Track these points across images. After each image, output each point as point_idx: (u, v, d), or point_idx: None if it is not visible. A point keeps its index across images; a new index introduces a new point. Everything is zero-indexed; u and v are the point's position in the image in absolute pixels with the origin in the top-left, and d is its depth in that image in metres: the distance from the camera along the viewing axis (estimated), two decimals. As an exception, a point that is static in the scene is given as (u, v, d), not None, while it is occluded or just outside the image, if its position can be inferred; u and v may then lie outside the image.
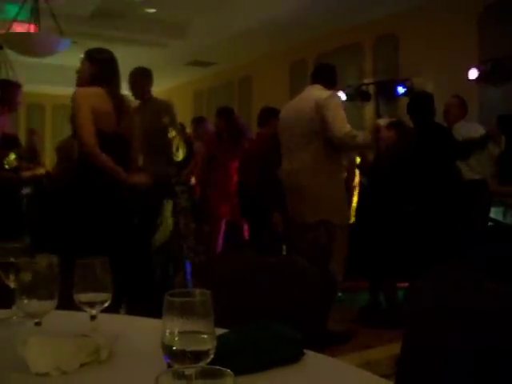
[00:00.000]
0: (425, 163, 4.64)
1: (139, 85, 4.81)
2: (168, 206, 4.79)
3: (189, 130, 6.80)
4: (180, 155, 4.90)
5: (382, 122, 5.09)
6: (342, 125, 3.99)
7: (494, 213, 5.27)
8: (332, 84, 4.36)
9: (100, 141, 3.38)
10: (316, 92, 4.22)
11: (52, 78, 9.80)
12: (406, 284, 4.90)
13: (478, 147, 5.02)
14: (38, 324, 1.30)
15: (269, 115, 5.52)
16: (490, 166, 5.28)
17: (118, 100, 3.51)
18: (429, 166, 4.62)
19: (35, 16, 6.68)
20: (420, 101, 5.08)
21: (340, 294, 5.16)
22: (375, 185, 4.97)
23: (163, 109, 4.80)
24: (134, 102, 3.96)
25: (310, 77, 4.46)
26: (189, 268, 5.26)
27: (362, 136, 4.10)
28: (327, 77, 4.38)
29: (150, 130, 4.40)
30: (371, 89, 8.00)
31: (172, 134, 4.73)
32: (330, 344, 3.78)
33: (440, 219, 4.53)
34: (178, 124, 4.95)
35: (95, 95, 3.46)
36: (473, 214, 4.87)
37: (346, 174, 5.02)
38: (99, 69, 3.52)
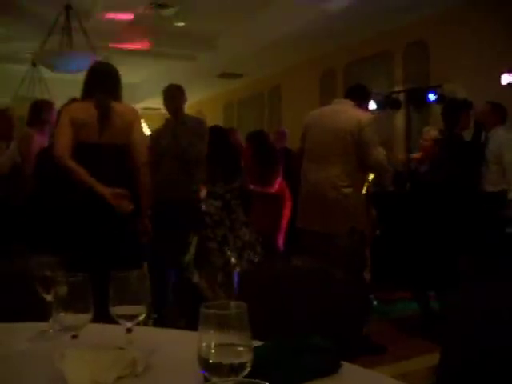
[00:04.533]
0: (447, 174, 4.66)
1: (171, 100, 4.84)
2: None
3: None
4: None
5: (432, 131, 5.05)
6: (376, 153, 4.09)
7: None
8: (363, 102, 4.38)
9: (80, 152, 3.33)
10: (354, 111, 4.22)
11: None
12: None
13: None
14: (74, 337, 1.30)
15: None
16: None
17: (104, 111, 3.41)
18: (451, 177, 4.63)
19: (67, 33, 6.80)
20: (448, 109, 5.09)
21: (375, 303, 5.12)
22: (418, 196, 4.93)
23: (195, 128, 4.75)
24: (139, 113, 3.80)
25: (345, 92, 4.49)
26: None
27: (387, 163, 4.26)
28: (359, 94, 4.39)
29: (178, 148, 4.42)
30: (401, 97, 7.94)
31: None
32: (366, 353, 3.77)
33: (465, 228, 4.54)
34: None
35: (78, 108, 3.46)
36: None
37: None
38: (89, 82, 3.55)
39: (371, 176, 4.70)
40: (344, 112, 4.22)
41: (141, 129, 3.58)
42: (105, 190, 3.26)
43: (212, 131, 4.82)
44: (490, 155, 4.92)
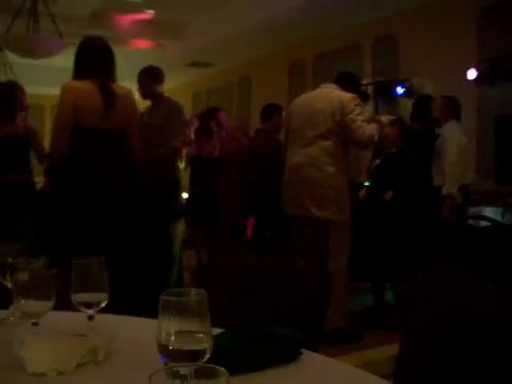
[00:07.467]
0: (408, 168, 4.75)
1: (143, 84, 4.80)
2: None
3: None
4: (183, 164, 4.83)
5: (384, 118, 5.09)
6: (364, 129, 4.10)
7: (492, 212, 5.26)
8: (349, 87, 4.34)
9: (84, 136, 3.28)
10: (337, 92, 4.25)
11: (51, 79, 9.81)
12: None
13: None
14: (35, 324, 1.30)
15: (273, 111, 5.60)
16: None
17: (109, 93, 3.33)
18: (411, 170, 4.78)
19: (34, 17, 6.68)
20: (415, 104, 5.19)
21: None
22: (380, 186, 4.97)
23: (173, 112, 4.69)
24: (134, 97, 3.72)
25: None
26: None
27: (374, 131, 4.19)
28: (346, 80, 4.41)
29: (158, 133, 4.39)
30: (370, 89, 7.98)
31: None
32: (339, 342, 3.83)
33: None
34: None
35: (81, 90, 3.30)
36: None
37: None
38: (88, 60, 3.42)
39: None
40: (326, 94, 4.27)
41: (137, 111, 3.55)
42: None
43: None
44: (436, 149, 4.95)
